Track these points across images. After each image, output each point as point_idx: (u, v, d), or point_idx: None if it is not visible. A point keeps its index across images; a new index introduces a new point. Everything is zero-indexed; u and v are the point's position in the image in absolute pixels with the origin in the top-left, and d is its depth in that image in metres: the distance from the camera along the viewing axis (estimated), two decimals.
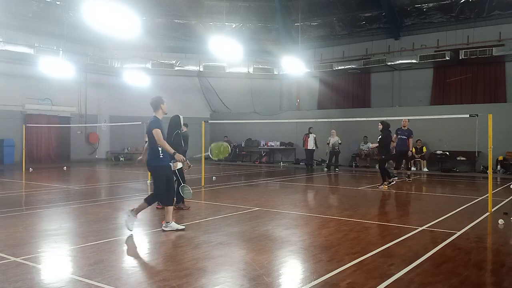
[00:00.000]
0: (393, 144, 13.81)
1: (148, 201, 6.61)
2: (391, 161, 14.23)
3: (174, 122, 8.19)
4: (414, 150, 18.27)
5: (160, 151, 6.46)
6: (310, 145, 18.86)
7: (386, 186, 12.05)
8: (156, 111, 6.64)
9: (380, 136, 12.13)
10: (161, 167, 6.54)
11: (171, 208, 6.64)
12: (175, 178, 8.04)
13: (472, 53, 18.45)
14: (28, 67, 20.30)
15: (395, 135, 13.74)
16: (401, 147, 13.63)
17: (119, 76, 23.05)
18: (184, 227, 6.66)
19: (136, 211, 6.54)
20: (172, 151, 6.48)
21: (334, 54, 23.34)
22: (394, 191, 12.01)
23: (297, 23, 22.44)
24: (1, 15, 18.63)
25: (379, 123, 12.21)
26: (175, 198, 8.52)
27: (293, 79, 24.40)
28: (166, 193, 6.59)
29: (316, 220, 7.64)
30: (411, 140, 13.79)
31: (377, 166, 16.13)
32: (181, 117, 8.32)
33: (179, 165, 7.86)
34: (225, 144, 8.12)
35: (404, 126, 13.67)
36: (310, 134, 18.86)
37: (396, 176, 13.78)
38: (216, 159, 7.16)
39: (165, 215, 6.62)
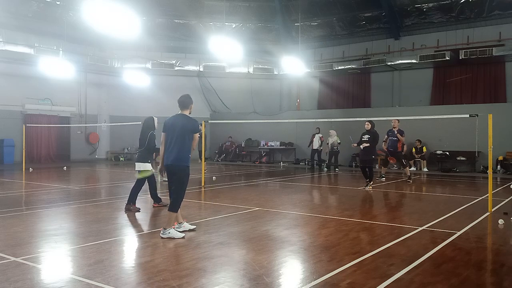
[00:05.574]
0: (384, 145, 13.90)
1: (174, 207, 6.15)
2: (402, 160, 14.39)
3: (147, 123, 8.57)
4: (413, 150, 18.40)
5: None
6: (315, 144, 18.96)
7: (371, 187, 12.01)
8: (184, 109, 6.39)
9: (368, 136, 11.96)
10: (188, 168, 6.31)
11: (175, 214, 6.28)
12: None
13: (472, 53, 18.46)
14: (28, 67, 20.29)
15: (386, 136, 13.81)
16: (391, 148, 13.79)
17: (119, 76, 23.06)
18: (184, 235, 6.25)
19: (177, 220, 6.40)
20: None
21: (334, 54, 23.35)
22: (394, 191, 12.02)
23: (297, 23, 22.44)
24: (1, 15, 18.63)
25: (367, 123, 12.10)
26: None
27: (293, 79, 24.39)
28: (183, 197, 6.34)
29: (316, 220, 7.64)
30: (402, 139, 13.78)
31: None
32: (155, 119, 8.71)
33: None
34: None
35: (394, 128, 13.72)
36: (316, 134, 18.95)
37: (384, 177, 14.31)
38: None
39: (167, 221, 6.17)
